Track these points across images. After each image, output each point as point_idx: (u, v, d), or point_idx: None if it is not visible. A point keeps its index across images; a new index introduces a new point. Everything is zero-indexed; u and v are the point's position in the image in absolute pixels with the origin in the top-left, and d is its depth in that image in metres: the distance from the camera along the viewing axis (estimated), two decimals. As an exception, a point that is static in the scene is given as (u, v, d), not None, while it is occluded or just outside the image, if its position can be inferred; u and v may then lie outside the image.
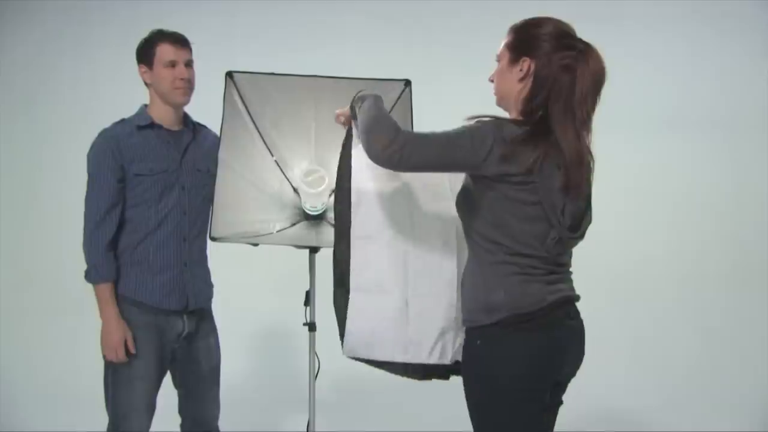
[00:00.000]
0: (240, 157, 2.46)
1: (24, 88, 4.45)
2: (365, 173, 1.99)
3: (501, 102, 1.98)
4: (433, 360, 1.98)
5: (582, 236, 1.96)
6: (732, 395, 3.90)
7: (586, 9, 4.22)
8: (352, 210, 1.99)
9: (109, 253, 2.39)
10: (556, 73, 1.83)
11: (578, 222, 1.93)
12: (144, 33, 2.49)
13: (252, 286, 4.08)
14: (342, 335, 1.99)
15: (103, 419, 2.46)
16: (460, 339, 1.97)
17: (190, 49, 2.48)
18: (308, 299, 2.55)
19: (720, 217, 4.21)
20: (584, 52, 1.86)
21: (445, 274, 2.01)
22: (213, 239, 2.38)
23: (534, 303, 1.84)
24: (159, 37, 2.43)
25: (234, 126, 2.41)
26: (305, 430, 2.59)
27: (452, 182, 2.03)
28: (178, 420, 2.64)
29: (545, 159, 1.80)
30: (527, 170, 1.78)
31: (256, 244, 2.52)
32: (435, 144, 1.78)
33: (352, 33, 4.26)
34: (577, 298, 1.97)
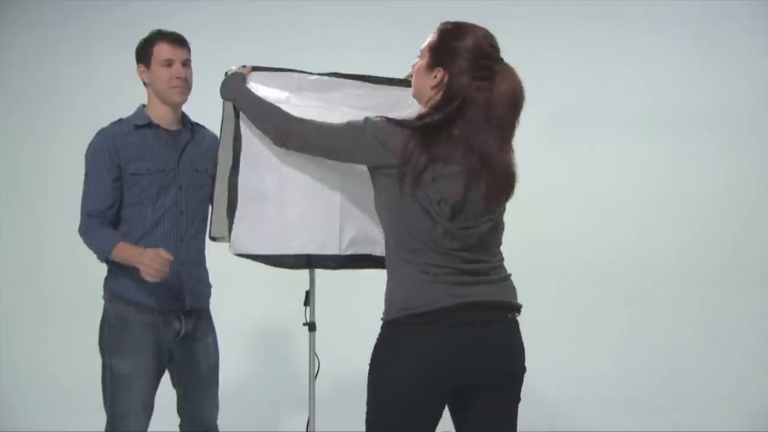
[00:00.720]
0: None
1: (24, 88, 4.45)
2: (250, 128, 2.24)
3: (415, 96, 2.04)
4: (312, 251, 2.25)
5: (476, 227, 1.89)
6: (732, 395, 3.90)
7: (586, 9, 4.24)
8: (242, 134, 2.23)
9: (107, 227, 2.39)
10: (470, 91, 1.87)
11: (458, 213, 1.88)
12: (144, 33, 2.50)
13: (252, 286, 4.07)
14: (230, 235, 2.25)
15: (102, 419, 2.46)
16: (348, 235, 2.23)
17: (188, 49, 2.48)
18: (308, 299, 2.55)
19: (720, 216, 4.21)
20: (499, 72, 1.88)
21: (326, 182, 2.23)
22: (213, 239, 2.38)
23: (427, 304, 1.85)
24: (157, 36, 2.45)
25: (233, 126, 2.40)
26: (305, 430, 2.59)
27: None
28: (177, 420, 2.64)
29: (420, 151, 1.83)
30: (399, 163, 1.84)
31: None
32: (316, 135, 2.01)
33: (351, 33, 4.26)
34: (504, 305, 1.94)
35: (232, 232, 2.23)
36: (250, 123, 2.22)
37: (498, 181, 1.87)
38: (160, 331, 2.45)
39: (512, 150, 1.91)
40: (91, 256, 2.44)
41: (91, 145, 2.43)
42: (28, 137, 4.44)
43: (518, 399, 2.01)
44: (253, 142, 2.22)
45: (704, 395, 3.89)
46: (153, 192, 2.41)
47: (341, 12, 4.29)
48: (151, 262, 2.24)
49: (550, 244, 4.14)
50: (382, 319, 1.95)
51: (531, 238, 4.05)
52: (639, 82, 4.21)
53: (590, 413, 3.75)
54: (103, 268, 2.50)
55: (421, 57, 1.99)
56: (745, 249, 4.21)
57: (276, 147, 2.16)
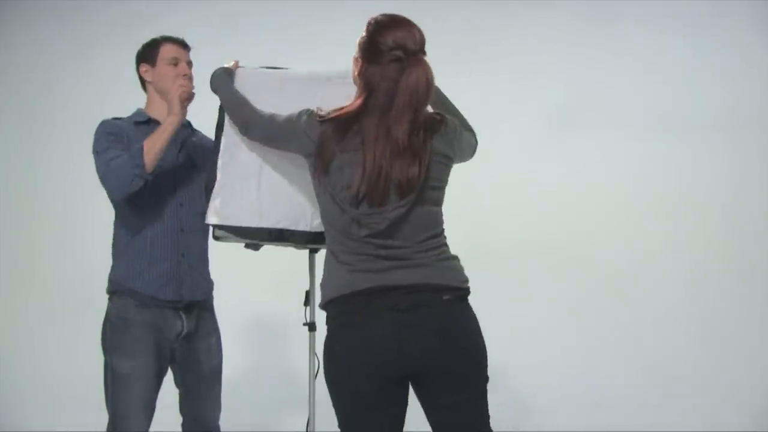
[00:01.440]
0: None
1: (21, 87, 4.45)
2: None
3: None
4: (285, 226, 2.34)
5: (381, 213, 1.88)
6: (732, 395, 3.90)
7: (586, 9, 4.24)
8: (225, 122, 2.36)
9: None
10: (377, 80, 1.93)
11: (371, 197, 1.88)
12: (144, 33, 2.53)
13: (252, 286, 4.08)
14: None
15: (102, 419, 2.46)
16: (316, 213, 2.22)
17: (189, 53, 2.56)
18: (308, 299, 2.55)
19: (720, 216, 4.22)
20: (409, 65, 1.92)
21: (298, 165, 2.25)
22: (216, 239, 2.42)
23: (336, 289, 1.90)
24: (163, 38, 2.53)
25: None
26: (305, 430, 2.59)
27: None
28: (178, 420, 2.64)
29: (330, 142, 1.91)
30: (310, 153, 1.95)
31: (257, 248, 2.53)
32: (266, 127, 2.14)
33: (351, 33, 4.26)
34: (433, 287, 1.89)
35: (210, 205, 2.33)
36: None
37: (403, 166, 1.87)
38: (162, 331, 2.45)
39: (421, 136, 1.90)
40: (91, 256, 2.44)
41: (98, 129, 2.45)
42: (28, 137, 4.44)
43: (480, 384, 1.94)
44: (234, 129, 2.34)
45: (704, 395, 3.89)
46: (153, 185, 2.42)
47: (343, 11, 4.30)
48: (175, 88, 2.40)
49: (549, 243, 4.14)
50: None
51: (530, 237, 4.06)
52: (639, 82, 4.21)
53: (590, 413, 3.75)
54: (102, 268, 2.50)
55: None
56: (745, 249, 4.21)
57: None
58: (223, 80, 2.31)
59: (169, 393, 2.58)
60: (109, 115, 2.54)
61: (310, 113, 2.00)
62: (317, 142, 1.93)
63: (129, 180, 2.32)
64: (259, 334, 4.25)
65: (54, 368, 4.06)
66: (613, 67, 4.26)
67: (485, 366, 1.94)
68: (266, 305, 4.13)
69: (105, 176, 2.36)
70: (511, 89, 4.15)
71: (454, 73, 4.10)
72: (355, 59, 2.02)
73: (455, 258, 1.98)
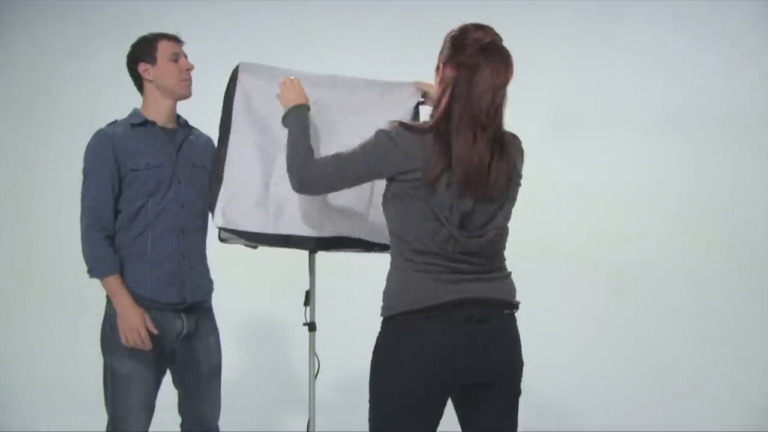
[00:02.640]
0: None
1: (23, 88, 4.45)
2: (243, 107, 2.39)
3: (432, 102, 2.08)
4: (291, 231, 2.32)
5: (482, 236, 1.92)
6: (732, 395, 3.90)
7: (586, 9, 4.24)
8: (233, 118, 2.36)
9: (109, 246, 2.40)
10: (464, 82, 1.88)
11: (474, 222, 1.91)
12: (142, 32, 2.51)
13: (252, 287, 4.08)
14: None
15: (102, 419, 2.46)
16: (326, 218, 2.31)
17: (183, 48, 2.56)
18: (308, 299, 2.55)
19: (720, 216, 4.21)
20: (488, 59, 1.90)
21: None
22: (222, 240, 2.43)
23: (423, 300, 1.88)
24: (157, 35, 2.49)
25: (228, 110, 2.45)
26: (305, 430, 2.59)
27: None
28: (178, 420, 2.64)
29: (435, 158, 1.85)
30: (415, 168, 1.86)
31: (255, 246, 2.53)
32: (340, 173, 1.98)
33: (350, 33, 4.26)
34: (501, 302, 1.95)
35: (217, 206, 2.33)
36: (243, 109, 2.36)
37: (502, 190, 1.91)
38: (163, 331, 2.44)
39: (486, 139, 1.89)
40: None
41: (89, 146, 2.44)
42: (27, 137, 4.44)
43: (519, 393, 2.02)
44: (245, 130, 2.33)
45: (704, 395, 3.89)
46: (153, 187, 2.42)
47: (343, 12, 4.30)
48: (137, 326, 2.34)
49: (548, 243, 4.14)
50: (381, 315, 1.96)
51: (530, 237, 4.05)
52: (641, 82, 4.21)
53: (589, 413, 3.75)
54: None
55: None
56: (745, 249, 4.21)
57: (262, 134, 2.32)
58: (294, 119, 2.17)
59: (168, 393, 2.58)
60: (110, 116, 2.53)
61: (394, 127, 1.91)
62: (422, 155, 1.85)
63: (87, 264, 2.40)
64: (259, 334, 4.25)
65: (54, 368, 4.06)
66: (615, 67, 4.25)
67: (521, 377, 2.04)
68: (266, 305, 4.13)
69: (82, 237, 2.39)
70: (512, 89, 4.15)
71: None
72: (435, 68, 1.98)
73: (511, 273, 2.05)
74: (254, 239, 2.38)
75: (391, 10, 4.27)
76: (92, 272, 2.40)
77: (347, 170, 1.97)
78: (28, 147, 4.44)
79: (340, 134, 2.38)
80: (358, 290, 3.99)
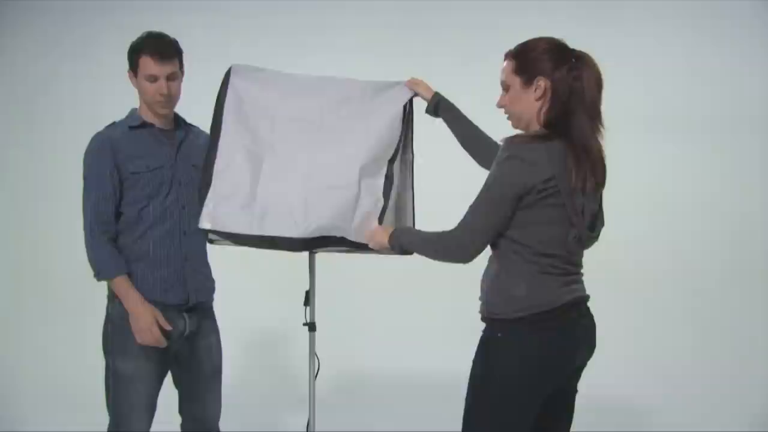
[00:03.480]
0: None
1: (24, 89, 4.45)
2: (234, 110, 2.42)
3: (519, 124, 2.08)
4: (276, 233, 2.31)
5: (597, 236, 2.07)
6: (732, 395, 3.90)
7: (586, 9, 4.24)
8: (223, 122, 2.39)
9: (114, 248, 2.40)
10: (571, 84, 1.96)
11: (595, 221, 2.05)
12: (143, 31, 2.48)
13: (252, 287, 4.08)
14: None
15: (103, 419, 2.46)
16: (312, 219, 2.29)
17: (177, 60, 2.45)
18: (308, 299, 2.55)
19: (720, 216, 4.21)
20: (582, 58, 2.00)
21: (300, 168, 2.37)
22: (210, 242, 2.43)
23: (551, 302, 1.97)
24: (143, 47, 2.40)
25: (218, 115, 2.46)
26: (305, 430, 2.59)
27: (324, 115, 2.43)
28: (178, 420, 2.64)
29: (565, 163, 1.91)
30: (550, 177, 1.90)
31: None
32: (487, 224, 1.97)
33: (350, 34, 4.26)
34: (588, 298, 2.10)
35: (204, 209, 2.34)
36: (233, 112, 2.40)
37: (598, 172, 1.99)
38: (165, 332, 2.45)
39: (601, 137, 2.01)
40: (91, 256, 2.43)
41: (88, 150, 2.44)
42: (27, 138, 4.44)
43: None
44: (234, 133, 2.35)
45: (704, 395, 3.88)
46: (154, 188, 2.42)
47: (343, 12, 4.30)
48: (149, 325, 2.35)
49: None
50: (493, 317, 2.02)
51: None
52: (639, 83, 4.20)
53: (588, 413, 3.74)
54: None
55: (507, 88, 2.06)
56: (744, 249, 4.21)
57: (252, 136, 2.37)
58: (400, 238, 2.21)
59: (168, 393, 2.58)
60: (110, 117, 2.52)
61: (511, 143, 1.94)
62: (557, 165, 1.90)
63: (93, 268, 2.39)
64: (259, 334, 4.25)
65: (54, 368, 4.06)
66: (613, 68, 4.23)
67: None
68: (266, 305, 4.13)
69: (86, 242, 2.40)
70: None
71: (456, 74, 4.11)
72: (522, 84, 2.01)
73: None
74: (241, 241, 2.36)
75: (386, 11, 4.27)
76: (100, 275, 2.39)
77: (491, 216, 1.96)
78: (28, 147, 4.43)
79: (335, 134, 2.40)
80: (358, 290, 4.00)
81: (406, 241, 2.19)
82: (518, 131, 2.07)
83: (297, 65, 2.62)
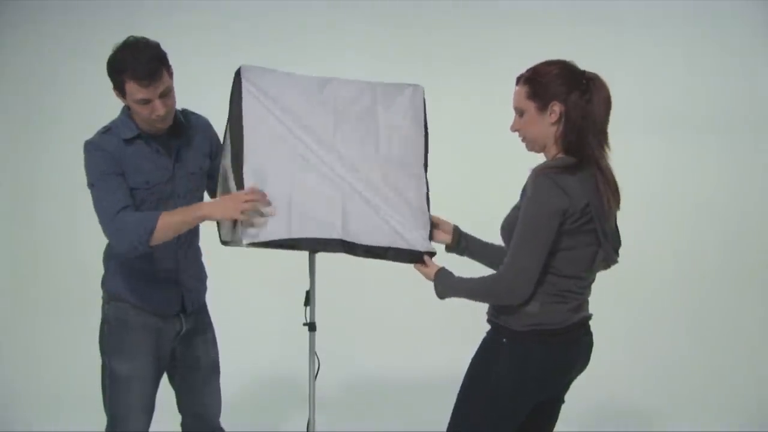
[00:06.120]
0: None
1: (24, 89, 4.45)
2: (253, 120, 2.32)
3: (534, 147, 2.10)
4: (314, 236, 2.25)
5: (618, 257, 2.12)
6: (732, 395, 3.90)
7: (586, 9, 4.24)
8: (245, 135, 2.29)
9: (138, 214, 2.24)
10: (584, 107, 1.97)
11: (617, 241, 2.10)
12: (144, 33, 2.35)
13: (252, 287, 4.08)
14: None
15: (101, 420, 2.46)
16: (354, 222, 2.25)
17: (165, 71, 2.24)
18: (308, 299, 2.55)
19: (720, 216, 4.22)
20: (593, 80, 2.01)
21: (335, 168, 2.32)
22: (224, 243, 2.38)
23: (561, 322, 2.03)
24: (125, 69, 2.19)
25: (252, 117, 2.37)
26: (305, 430, 2.59)
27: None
28: (178, 419, 2.64)
29: (596, 187, 1.96)
30: (587, 203, 1.94)
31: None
32: (535, 257, 1.96)
33: (351, 34, 4.26)
34: (591, 317, 2.17)
35: (241, 224, 2.23)
36: (253, 117, 2.30)
37: (614, 195, 2.06)
38: (162, 332, 2.44)
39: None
40: (91, 256, 2.43)
41: (87, 157, 2.30)
42: (28, 138, 4.44)
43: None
44: (254, 157, 2.27)
45: (704, 395, 3.89)
46: (152, 204, 2.34)
47: (343, 13, 4.30)
48: (235, 209, 2.17)
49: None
50: (500, 323, 2.06)
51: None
52: (638, 83, 4.20)
53: (588, 414, 3.75)
54: (102, 269, 2.49)
55: (522, 112, 2.07)
56: (744, 249, 4.21)
57: (279, 140, 2.29)
58: (446, 284, 2.18)
59: (168, 393, 2.58)
60: (108, 114, 2.47)
61: (541, 172, 1.96)
62: (589, 191, 1.95)
63: (131, 247, 2.21)
64: (259, 334, 4.24)
65: (54, 368, 4.06)
66: (613, 68, 4.24)
67: None
68: (266, 305, 4.13)
69: (114, 230, 2.22)
70: (510, 91, 4.16)
71: (456, 75, 4.11)
72: (537, 110, 2.04)
73: None
74: (275, 244, 2.26)
75: (391, 14, 4.27)
76: (150, 235, 2.19)
77: (536, 251, 1.95)
78: (28, 147, 4.43)
79: (347, 134, 2.39)
80: (358, 290, 4.00)
81: (448, 285, 2.15)
82: (539, 156, 2.10)
83: (297, 65, 2.61)
